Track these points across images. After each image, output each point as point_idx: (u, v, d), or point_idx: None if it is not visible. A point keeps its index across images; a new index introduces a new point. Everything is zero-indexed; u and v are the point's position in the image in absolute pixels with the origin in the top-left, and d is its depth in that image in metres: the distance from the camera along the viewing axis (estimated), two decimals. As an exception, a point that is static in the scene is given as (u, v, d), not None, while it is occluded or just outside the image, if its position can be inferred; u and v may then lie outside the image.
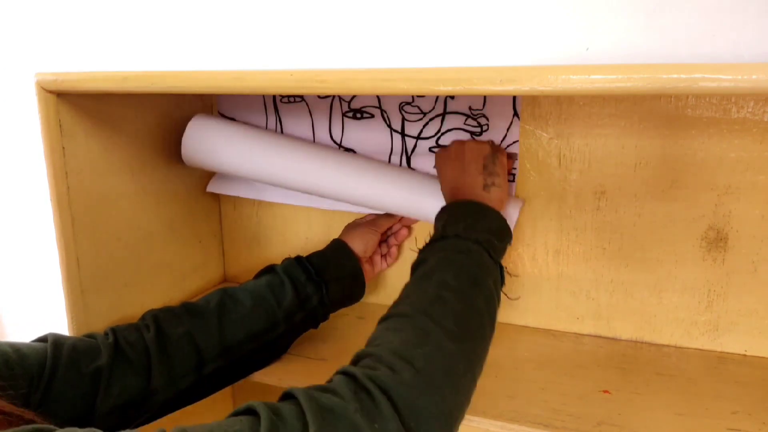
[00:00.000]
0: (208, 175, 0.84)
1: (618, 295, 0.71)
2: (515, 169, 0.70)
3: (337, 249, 0.69)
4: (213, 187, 0.81)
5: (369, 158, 0.74)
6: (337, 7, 0.68)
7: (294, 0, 0.70)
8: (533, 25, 0.61)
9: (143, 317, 0.59)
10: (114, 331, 0.55)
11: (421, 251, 0.53)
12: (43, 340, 0.50)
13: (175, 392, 0.55)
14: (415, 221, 0.76)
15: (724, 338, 0.68)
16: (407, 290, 0.49)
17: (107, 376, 0.50)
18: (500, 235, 0.54)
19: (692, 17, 0.56)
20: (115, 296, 0.68)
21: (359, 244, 0.70)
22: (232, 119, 0.81)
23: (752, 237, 0.64)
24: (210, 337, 0.58)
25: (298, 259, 0.66)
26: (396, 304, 0.47)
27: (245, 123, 0.78)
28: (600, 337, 0.73)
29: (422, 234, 0.77)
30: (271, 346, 0.63)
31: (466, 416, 0.55)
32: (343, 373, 0.40)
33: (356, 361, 0.42)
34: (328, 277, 0.66)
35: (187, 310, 0.60)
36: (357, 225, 0.73)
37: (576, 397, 0.59)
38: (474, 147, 0.62)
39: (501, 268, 0.53)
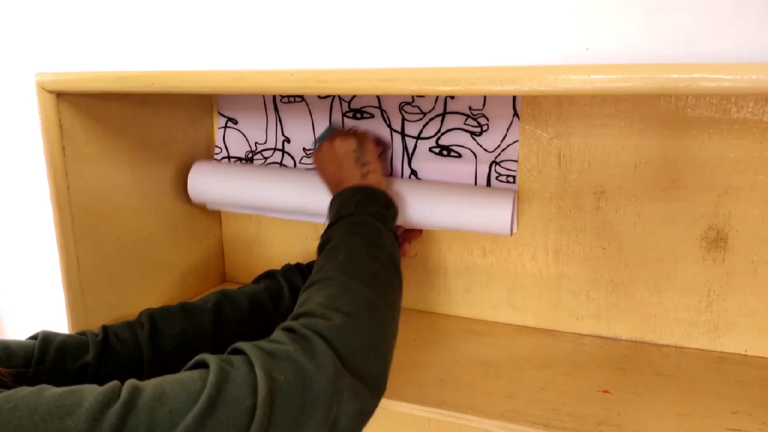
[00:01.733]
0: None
1: (618, 295, 0.71)
2: (514, 170, 0.70)
3: None
4: (214, 205, 0.81)
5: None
6: (337, 7, 0.68)
7: (294, 0, 0.70)
8: (533, 25, 0.61)
9: (139, 315, 0.59)
10: (105, 328, 0.55)
11: (323, 234, 0.58)
12: (35, 337, 0.51)
13: None
14: (417, 236, 0.76)
15: (724, 338, 0.68)
16: (320, 263, 0.54)
17: (93, 373, 0.51)
18: (387, 206, 0.61)
19: (692, 17, 0.56)
20: (115, 296, 0.68)
21: None
22: (236, 128, 0.81)
23: (752, 237, 0.64)
24: (204, 337, 0.58)
25: (298, 265, 0.68)
26: (313, 275, 0.52)
27: (236, 165, 0.81)
28: (600, 337, 0.73)
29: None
30: None
31: (466, 416, 0.55)
32: (282, 328, 0.45)
33: (293, 320, 0.47)
34: None
35: (183, 309, 0.60)
36: None
37: (576, 397, 0.59)
38: (341, 144, 0.67)
39: (395, 233, 0.60)
